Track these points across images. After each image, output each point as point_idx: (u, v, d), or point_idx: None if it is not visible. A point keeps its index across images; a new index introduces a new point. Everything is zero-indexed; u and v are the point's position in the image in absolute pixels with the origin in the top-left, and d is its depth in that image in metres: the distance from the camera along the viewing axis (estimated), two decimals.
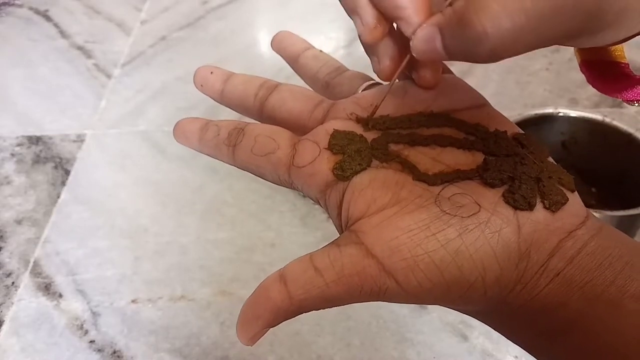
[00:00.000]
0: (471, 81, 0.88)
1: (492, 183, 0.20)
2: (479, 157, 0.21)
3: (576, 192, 0.20)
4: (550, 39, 0.17)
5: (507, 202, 0.19)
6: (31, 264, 0.51)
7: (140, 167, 0.62)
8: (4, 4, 0.94)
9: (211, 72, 0.27)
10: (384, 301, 0.19)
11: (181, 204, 0.57)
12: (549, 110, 0.51)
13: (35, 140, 0.66)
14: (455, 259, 0.18)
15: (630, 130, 0.49)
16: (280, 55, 0.30)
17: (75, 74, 0.78)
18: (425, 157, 0.21)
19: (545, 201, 0.19)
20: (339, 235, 0.21)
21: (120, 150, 0.64)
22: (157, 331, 0.45)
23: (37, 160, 0.63)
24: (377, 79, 0.24)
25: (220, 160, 0.24)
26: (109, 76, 0.77)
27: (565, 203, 0.19)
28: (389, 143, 0.22)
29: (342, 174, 0.21)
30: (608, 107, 0.70)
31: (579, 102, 0.70)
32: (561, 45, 0.19)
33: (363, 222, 0.19)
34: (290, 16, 0.94)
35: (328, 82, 0.27)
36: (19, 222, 0.55)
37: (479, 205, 0.19)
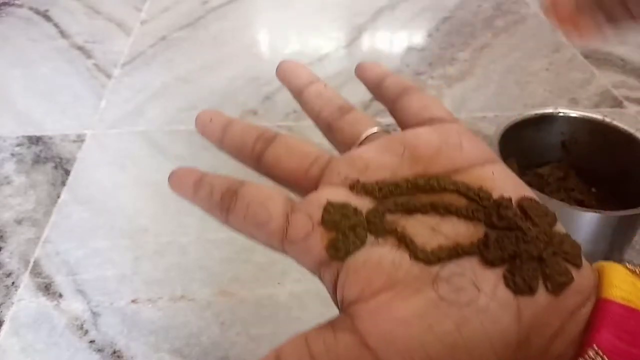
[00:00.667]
0: (471, 81, 0.88)
1: (492, 262, 0.18)
2: (480, 229, 0.20)
3: (585, 265, 0.19)
4: None
5: (507, 286, 0.18)
6: (31, 264, 0.51)
7: (140, 167, 0.62)
8: (4, 4, 0.94)
9: (210, 120, 0.26)
10: None
11: (181, 204, 0.56)
12: (549, 110, 0.51)
13: (35, 140, 0.66)
14: (452, 353, 0.17)
15: (630, 130, 0.49)
16: (285, 86, 0.29)
17: (75, 74, 0.78)
18: (423, 228, 0.20)
19: (548, 283, 0.18)
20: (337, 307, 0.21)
21: (120, 150, 0.64)
22: (157, 331, 0.45)
23: (37, 160, 0.63)
24: (380, 125, 0.24)
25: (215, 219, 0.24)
26: (109, 76, 0.77)
27: (569, 284, 0.18)
28: (385, 213, 0.21)
29: (336, 254, 0.20)
30: (608, 107, 0.70)
31: (579, 102, 0.70)
32: None
33: (358, 307, 0.19)
34: (290, 16, 0.94)
35: (330, 124, 0.26)
36: (19, 222, 0.55)
37: (478, 288, 0.18)
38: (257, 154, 0.25)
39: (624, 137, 0.49)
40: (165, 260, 0.51)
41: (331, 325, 0.19)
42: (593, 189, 0.52)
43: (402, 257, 0.19)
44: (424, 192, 0.21)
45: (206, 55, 0.82)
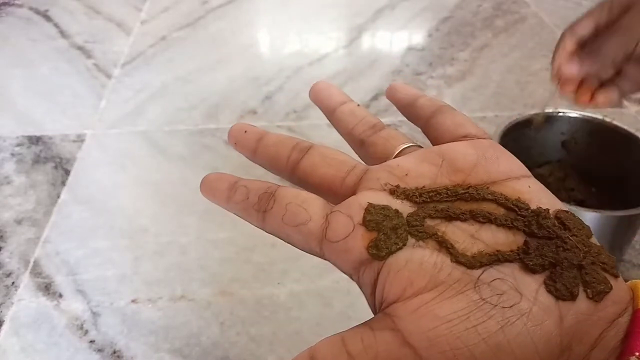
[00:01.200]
0: (471, 81, 0.88)
1: (532, 269, 0.19)
2: (519, 237, 0.20)
3: (620, 277, 0.19)
4: None
5: (549, 292, 0.18)
6: (31, 264, 0.51)
7: (140, 167, 0.62)
8: (4, 4, 0.94)
9: (245, 131, 0.26)
10: None
11: (181, 204, 0.57)
12: (549, 110, 0.51)
13: (35, 140, 0.66)
14: (496, 354, 0.17)
15: (630, 130, 0.49)
16: (317, 106, 0.30)
17: (75, 74, 0.78)
18: (463, 234, 0.20)
19: (589, 290, 0.18)
20: (372, 311, 0.20)
21: (120, 150, 0.64)
22: (157, 331, 0.45)
23: (37, 160, 0.63)
24: (414, 141, 0.24)
25: (250, 223, 0.24)
26: (109, 76, 0.77)
27: (609, 292, 0.18)
28: (425, 218, 0.21)
29: (378, 253, 0.20)
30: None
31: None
32: None
33: (399, 307, 0.19)
34: (290, 16, 0.94)
35: (363, 140, 0.26)
36: (19, 222, 0.55)
37: (520, 293, 0.18)
38: (292, 163, 0.25)
39: (624, 137, 0.49)
40: (165, 260, 0.51)
41: (368, 325, 0.19)
42: (593, 189, 0.52)
43: (443, 260, 0.19)
44: (463, 200, 0.21)
45: (206, 55, 0.82)
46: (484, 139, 0.24)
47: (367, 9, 0.94)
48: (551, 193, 0.22)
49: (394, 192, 0.22)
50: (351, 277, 0.22)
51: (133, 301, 0.48)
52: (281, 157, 0.25)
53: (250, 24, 0.93)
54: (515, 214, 0.21)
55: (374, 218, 0.21)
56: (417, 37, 0.88)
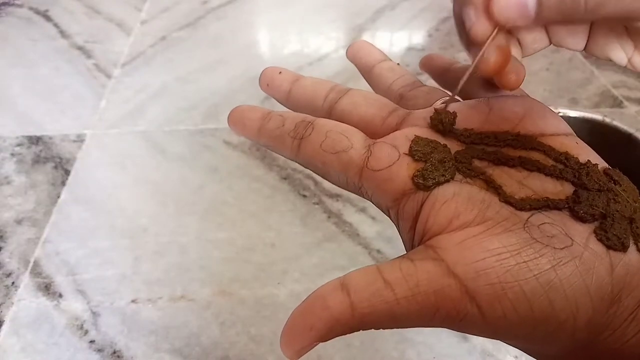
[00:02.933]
0: None
1: (583, 217, 0.18)
2: (567, 188, 0.19)
3: None
4: None
5: (600, 240, 0.18)
6: (31, 264, 0.51)
7: (140, 167, 0.62)
8: (4, 4, 0.94)
9: (279, 72, 0.25)
10: (455, 330, 0.17)
11: (181, 204, 0.57)
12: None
13: (35, 140, 0.66)
14: (548, 292, 0.16)
15: (630, 130, 0.49)
16: (354, 64, 0.28)
17: (75, 74, 0.78)
18: (510, 179, 0.20)
19: (639, 244, 0.18)
20: (406, 250, 0.19)
21: (120, 150, 0.64)
22: (157, 331, 0.45)
23: (37, 160, 0.63)
24: (456, 96, 0.23)
25: (279, 154, 0.22)
26: (109, 76, 0.77)
27: None
28: (473, 158, 0.20)
29: (424, 182, 0.19)
30: (608, 107, 0.70)
31: (579, 102, 0.70)
32: None
33: (443, 238, 0.18)
34: (290, 16, 0.94)
35: (402, 94, 0.26)
36: (19, 222, 0.55)
37: (571, 238, 0.17)
38: (330, 102, 0.24)
39: (624, 137, 0.49)
40: (165, 260, 0.51)
41: (407, 256, 0.18)
42: None
43: (491, 198, 0.19)
44: (511, 147, 0.21)
45: (206, 55, 0.82)
46: (530, 97, 0.24)
47: (367, 9, 0.94)
48: (598, 155, 0.21)
49: (443, 127, 0.21)
50: (387, 213, 0.21)
51: (133, 301, 0.48)
52: (318, 97, 0.24)
53: (250, 24, 0.93)
54: (564, 166, 0.20)
55: (420, 149, 0.20)
56: (417, 37, 0.88)
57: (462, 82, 0.22)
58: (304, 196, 0.57)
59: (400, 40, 0.87)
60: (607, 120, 0.50)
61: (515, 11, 0.18)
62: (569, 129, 0.22)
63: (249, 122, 0.23)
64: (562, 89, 0.72)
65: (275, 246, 0.52)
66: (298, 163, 0.22)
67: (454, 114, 0.21)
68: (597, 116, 0.51)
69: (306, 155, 0.21)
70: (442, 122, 0.21)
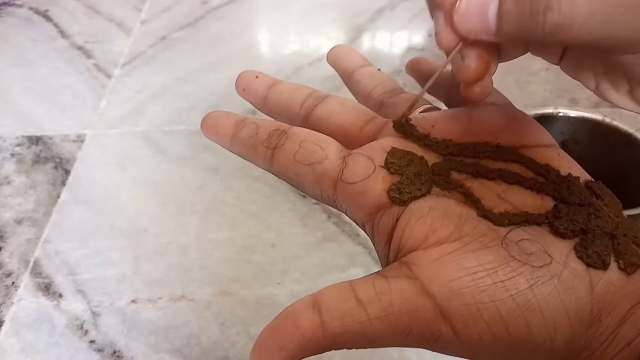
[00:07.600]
0: None
1: (563, 233, 0.18)
2: (547, 202, 0.19)
3: None
4: (622, 36, 0.15)
5: (580, 257, 0.17)
6: (31, 264, 0.51)
7: (140, 167, 0.62)
8: (4, 4, 0.94)
9: (256, 77, 0.25)
10: (430, 349, 0.17)
11: (181, 204, 0.57)
12: (549, 110, 0.51)
13: (35, 140, 0.66)
14: (525, 313, 0.16)
15: (630, 130, 0.49)
16: (335, 69, 0.28)
17: (75, 74, 0.78)
18: (489, 193, 0.19)
19: (620, 261, 0.17)
20: (382, 265, 0.19)
21: (120, 150, 0.64)
22: (157, 331, 0.45)
23: (37, 160, 0.63)
24: (437, 103, 0.23)
25: (253, 163, 0.22)
26: (109, 76, 0.77)
27: None
28: (451, 170, 0.20)
29: (400, 197, 0.18)
30: (608, 107, 0.70)
31: (579, 102, 0.70)
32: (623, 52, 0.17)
33: (418, 255, 0.17)
34: (290, 16, 0.94)
35: (382, 101, 0.25)
36: (19, 222, 0.55)
37: (550, 256, 0.17)
38: (306, 110, 0.23)
39: (624, 137, 0.49)
40: (165, 260, 0.51)
41: (381, 273, 0.17)
42: None
43: (469, 213, 0.18)
44: (490, 159, 0.20)
45: (206, 55, 0.82)
46: (512, 107, 0.23)
47: (367, 9, 0.94)
48: (581, 167, 0.21)
49: (420, 139, 0.20)
50: (363, 227, 0.20)
51: (133, 301, 0.48)
52: (295, 104, 0.24)
53: (250, 24, 0.93)
54: (545, 179, 0.20)
55: (396, 161, 0.19)
56: (417, 37, 0.88)
57: (429, 84, 0.21)
58: (304, 196, 0.57)
59: (400, 40, 0.87)
60: (607, 120, 0.50)
61: (476, 23, 0.17)
62: (552, 140, 0.22)
63: (222, 129, 0.22)
64: (562, 89, 0.72)
65: (275, 246, 0.52)
66: (272, 174, 0.21)
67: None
68: (597, 116, 0.51)
69: (279, 166, 0.21)
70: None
